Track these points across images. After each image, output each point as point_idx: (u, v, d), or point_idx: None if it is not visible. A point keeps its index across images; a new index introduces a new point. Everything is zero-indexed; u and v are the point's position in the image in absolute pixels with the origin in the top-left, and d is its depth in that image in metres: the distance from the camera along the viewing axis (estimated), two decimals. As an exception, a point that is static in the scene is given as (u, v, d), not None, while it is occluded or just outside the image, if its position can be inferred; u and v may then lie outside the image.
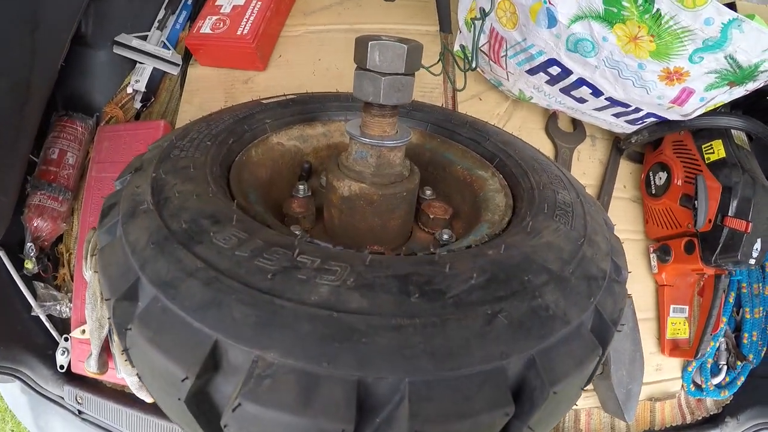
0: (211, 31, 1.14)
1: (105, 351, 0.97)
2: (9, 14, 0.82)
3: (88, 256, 0.93)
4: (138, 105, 1.20)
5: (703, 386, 1.09)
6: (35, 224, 1.05)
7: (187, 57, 1.25)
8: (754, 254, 0.93)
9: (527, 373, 0.39)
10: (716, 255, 0.94)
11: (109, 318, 0.91)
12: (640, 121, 1.00)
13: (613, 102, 0.93)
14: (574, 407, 1.02)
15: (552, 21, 0.82)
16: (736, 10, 0.73)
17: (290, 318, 0.36)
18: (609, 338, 0.46)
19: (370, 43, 0.54)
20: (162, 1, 1.27)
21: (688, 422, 1.11)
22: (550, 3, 0.80)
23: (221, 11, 1.16)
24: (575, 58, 0.86)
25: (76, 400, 1.02)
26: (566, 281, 0.46)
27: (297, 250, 0.42)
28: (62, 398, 1.04)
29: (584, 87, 0.92)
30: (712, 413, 1.12)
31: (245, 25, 1.11)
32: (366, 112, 0.61)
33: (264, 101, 0.81)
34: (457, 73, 1.14)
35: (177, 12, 1.28)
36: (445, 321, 0.38)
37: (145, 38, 1.22)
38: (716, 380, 1.10)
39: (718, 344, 1.08)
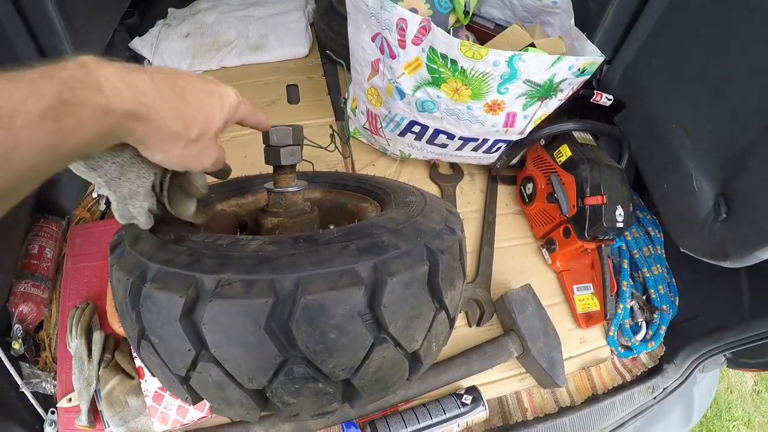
0: None
1: (92, 411, 1.12)
2: None
3: (73, 328, 1.16)
4: (102, 207, 1.48)
5: (630, 345, 1.32)
6: (21, 309, 1.23)
7: None
8: (619, 218, 1.23)
9: (373, 273, 0.70)
10: (587, 229, 1.26)
11: (96, 378, 1.12)
12: (495, 149, 1.35)
13: (465, 140, 1.28)
14: (515, 390, 1.25)
15: (402, 94, 1.19)
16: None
17: (236, 259, 0.68)
18: (438, 260, 0.78)
19: (270, 129, 0.92)
20: None
21: (629, 380, 1.31)
22: (397, 82, 1.17)
23: None
24: (425, 116, 1.23)
25: None
26: (398, 231, 0.78)
27: (239, 236, 0.76)
28: None
29: (441, 135, 1.28)
30: (650, 367, 1.34)
31: None
32: (275, 173, 0.97)
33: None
34: (362, 147, 1.57)
35: None
36: (317, 249, 0.69)
37: None
38: (640, 336, 1.33)
39: (629, 306, 1.34)
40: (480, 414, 1.14)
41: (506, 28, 1.32)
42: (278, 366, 0.68)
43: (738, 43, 1.07)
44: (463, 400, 1.14)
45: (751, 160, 1.04)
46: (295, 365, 0.68)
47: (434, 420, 1.10)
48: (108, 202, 1.45)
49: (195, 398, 0.78)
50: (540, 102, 1.18)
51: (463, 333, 1.30)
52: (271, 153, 0.95)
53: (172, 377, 0.75)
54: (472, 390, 1.17)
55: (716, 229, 1.13)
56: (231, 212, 1.15)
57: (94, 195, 1.50)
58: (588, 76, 1.17)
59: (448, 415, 1.11)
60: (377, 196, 1.09)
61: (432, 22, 1.05)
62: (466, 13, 1.36)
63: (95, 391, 1.13)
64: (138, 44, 1.81)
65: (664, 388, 1.30)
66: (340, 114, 1.63)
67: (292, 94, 0.97)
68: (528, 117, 1.21)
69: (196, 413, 1.07)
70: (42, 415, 1.17)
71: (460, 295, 0.88)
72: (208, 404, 0.80)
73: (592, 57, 1.11)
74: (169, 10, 1.98)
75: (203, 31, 1.86)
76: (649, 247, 1.43)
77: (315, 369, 0.69)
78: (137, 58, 1.81)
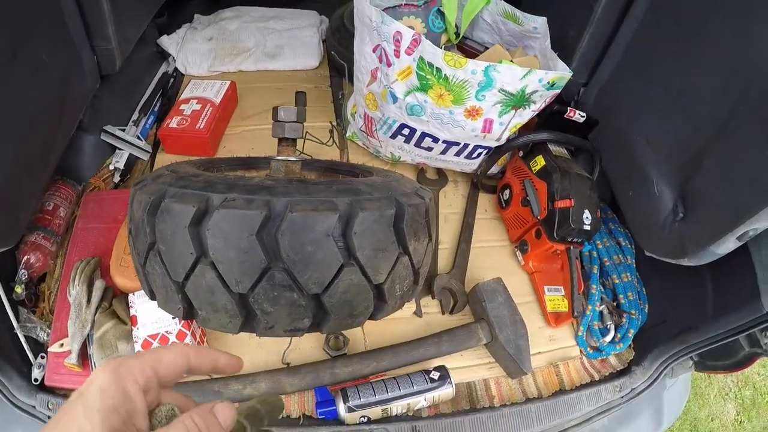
0: (177, 126, 1.72)
1: (82, 355, 1.24)
2: (50, 90, 1.31)
3: (76, 277, 1.31)
4: (116, 179, 1.69)
5: (599, 346, 1.45)
6: (28, 257, 1.36)
7: (155, 147, 1.80)
8: (586, 221, 1.41)
9: (348, 207, 0.88)
10: (556, 230, 1.43)
11: (91, 323, 1.26)
12: (475, 155, 1.56)
13: (448, 143, 1.49)
14: (483, 377, 1.38)
15: (394, 98, 1.40)
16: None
17: (241, 185, 0.88)
18: (404, 210, 0.95)
19: (279, 107, 1.16)
20: (136, 106, 1.88)
21: (597, 379, 1.43)
22: (391, 87, 1.39)
23: (184, 113, 1.75)
24: (414, 119, 1.44)
25: (47, 406, 1.21)
26: (374, 186, 0.97)
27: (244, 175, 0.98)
28: (33, 407, 1.22)
29: (427, 138, 1.49)
30: (618, 369, 1.45)
31: (201, 123, 1.71)
32: (279, 144, 1.19)
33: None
34: (358, 150, 1.83)
35: (147, 115, 1.89)
36: (306, 186, 0.90)
37: (123, 131, 1.74)
38: (608, 338, 1.46)
39: (598, 309, 1.49)
40: (446, 391, 1.27)
41: (492, 49, 1.58)
42: (262, 271, 0.87)
43: (693, 57, 1.27)
44: (431, 375, 1.28)
45: (705, 158, 1.20)
46: (276, 271, 0.87)
47: (402, 392, 1.24)
48: (122, 176, 1.68)
49: (186, 308, 0.96)
50: (514, 111, 1.39)
51: (437, 320, 1.46)
52: (278, 127, 1.19)
53: (171, 285, 0.93)
54: (441, 368, 1.31)
55: (675, 229, 1.28)
56: (237, 179, 1.39)
57: (111, 168, 1.72)
58: (558, 90, 1.38)
59: (416, 389, 1.25)
60: (365, 174, 1.30)
61: (422, 36, 1.28)
62: (456, 34, 1.62)
63: (88, 335, 1.28)
64: (165, 41, 2.15)
65: (632, 389, 1.41)
66: (340, 119, 1.91)
67: (300, 100, 1.23)
68: (504, 124, 1.42)
69: None
70: (31, 359, 1.30)
71: (425, 251, 1.07)
72: (197, 316, 0.97)
73: (560, 72, 1.33)
74: (195, 15, 2.35)
75: (225, 37, 2.20)
76: (619, 256, 1.59)
77: (292, 279, 0.88)
78: (163, 54, 2.14)
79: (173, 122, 1.75)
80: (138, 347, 1.23)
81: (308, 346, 1.37)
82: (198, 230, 0.87)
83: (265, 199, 0.87)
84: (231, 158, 1.51)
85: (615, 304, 1.54)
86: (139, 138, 1.81)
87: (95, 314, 1.30)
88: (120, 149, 1.75)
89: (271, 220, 0.86)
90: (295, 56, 2.17)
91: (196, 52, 2.11)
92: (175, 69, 2.14)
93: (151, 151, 1.80)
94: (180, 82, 2.10)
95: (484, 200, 1.78)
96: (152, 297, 1.05)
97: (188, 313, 0.98)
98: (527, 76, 1.29)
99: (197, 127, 1.72)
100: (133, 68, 1.91)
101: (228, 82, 1.89)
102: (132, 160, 1.77)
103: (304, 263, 0.88)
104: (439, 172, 1.81)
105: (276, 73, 2.14)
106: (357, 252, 0.90)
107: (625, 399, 1.40)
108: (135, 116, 1.87)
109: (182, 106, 1.81)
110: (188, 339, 1.23)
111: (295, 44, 2.20)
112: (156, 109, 1.96)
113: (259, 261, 0.86)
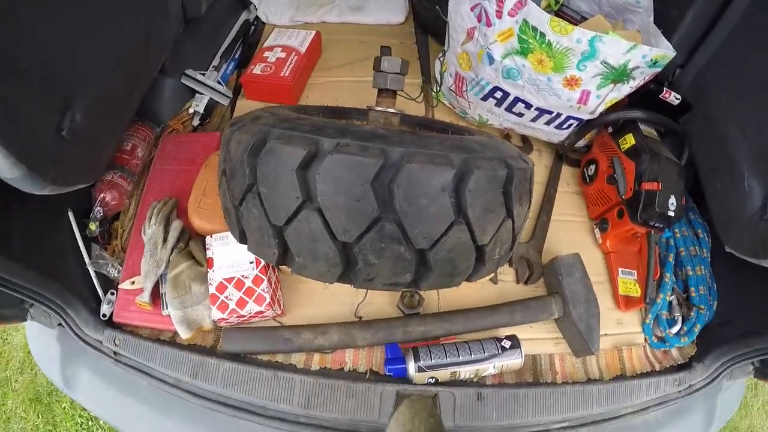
0: (261, 72, 1.69)
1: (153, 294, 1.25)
2: (136, 29, 1.30)
3: (153, 217, 1.31)
4: (196, 123, 1.68)
5: (664, 336, 1.42)
6: (104, 195, 1.36)
7: (235, 92, 1.79)
8: (671, 207, 1.36)
9: (463, 164, 0.84)
10: (640, 212, 1.38)
11: (166, 262, 1.26)
12: (566, 125, 1.50)
13: (540, 111, 1.43)
14: (549, 352, 1.36)
15: (491, 60, 1.35)
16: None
17: (354, 132, 0.84)
18: (513, 172, 0.90)
19: (383, 57, 1.11)
20: (217, 51, 1.86)
21: (657, 370, 1.40)
22: (489, 48, 1.33)
23: (268, 60, 1.72)
24: (509, 83, 1.38)
25: (114, 342, 1.23)
26: (484, 145, 0.93)
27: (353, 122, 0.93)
28: (100, 342, 1.24)
29: (519, 103, 1.43)
30: (679, 363, 1.42)
31: (286, 70, 1.68)
32: (379, 96, 1.15)
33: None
34: (443, 110, 1.76)
35: (228, 60, 1.87)
36: (421, 138, 0.86)
37: (204, 75, 1.73)
38: (674, 330, 1.43)
39: (669, 298, 1.45)
40: (515, 361, 1.25)
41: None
42: (372, 221, 0.84)
43: None
44: (502, 344, 1.25)
45: None
46: (387, 223, 0.84)
47: (473, 357, 1.22)
48: (201, 120, 1.66)
49: (281, 253, 0.93)
50: (613, 85, 1.33)
51: (510, 288, 1.44)
52: (380, 77, 1.13)
53: (268, 228, 0.90)
54: (512, 338, 1.28)
55: (761, 228, 1.24)
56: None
57: (190, 111, 1.71)
58: (659, 69, 1.31)
59: (486, 355, 1.23)
60: (460, 133, 1.26)
61: (528, -1, 1.22)
62: (556, 1, 1.54)
63: (162, 275, 1.28)
64: (248, -10, 2.08)
65: (690, 385, 1.37)
66: (427, 78, 1.85)
67: (385, 54, 1.17)
68: (601, 97, 1.36)
69: (254, 306, 1.19)
70: (100, 294, 1.31)
71: (524, 217, 1.03)
72: (293, 263, 0.94)
73: (664, 50, 1.26)
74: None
75: (308, -13, 2.12)
76: (696, 247, 1.54)
77: (402, 231, 0.84)
78: (245, 2, 2.08)
79: (257, 69, 1.72)
80: (212, 290, 1.22)
81: (381, 302, 1.34)
82: (305, 174, 0.84)
83: (380, 147, 0.82)
84: (323, 107, 1.47)
85: (685, 296, 1.49)
86: (219, 83, 1.80)
87: (171, 254, 1.29)
88: (200, 93, 1.73)
89: (385, 170, 0.82)
90: (380, 10, 2.09)
91: (279, 2, 2.07)
92: (257, 17, 2.10)
93: (231, 96, 1.80)
94: (261, 30, 2.07)
95: (567, 173, 1.72)
96: (242, 240, 1.03)
97: (282, 259, 0.95)
98: (631, 50, 1.23)
99: (282, 75, 1.68)
100: (216, 14, 1.88)
101: (313, 32, 1.85)
102: (212, 105, 1.75)
103: (416, 216, 0.84)
104: (524, 139, 1.75)
105: (359, 26, 2.07)
106: (468, 210, 0.86)
107: (682, 394, 1.37)
108: (216, 62, 1.85)
109: (266, 54, 1.78)
110: (264, 285, 1.21)
111: (380, -2, 2.13)
112: (237, 55, 1.94)
113: (370, 210, 0.83)
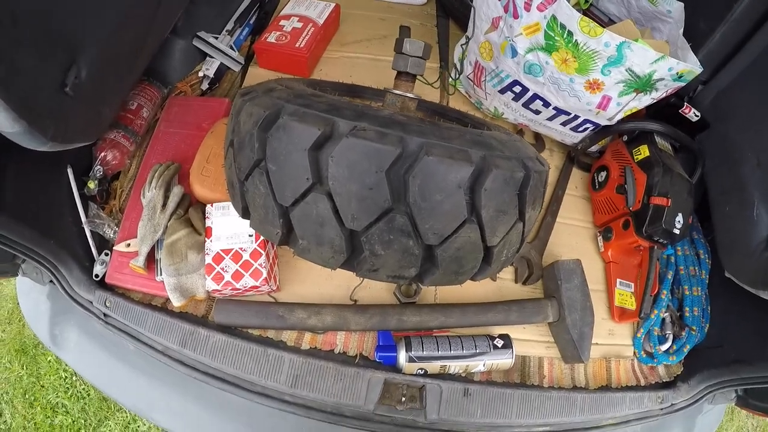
0: (275, 41, 1.63)
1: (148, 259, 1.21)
2: None
3: (154, 180, 1.26)
4: (204, 87, 1.63)
5: (653, 352, 1.40)
6: (105, 154, 1.33)
7: (248, 59, 1.73)
8: (677, 225, 1.33)
9: (482, 161, 0.81)
10: (646, 226, 1.35)
11: (164, 228, 1.22)
12: (582, 128, 1.46)
13: (558, 111, 1.39)
14: (539, 355, 1.34)
15: (514, 52, 1.31)
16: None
17: (372, 115, 0.80)
18: (530, 175, 0.87)
19: (405, 39, 1.06)
20: (232, 15, 1.79)
21: (642, 384, 1.38)
22: (513, 41, 1.29)
23: (284, 29, 1.66)
24: (530, 78, 1.34)
25: (105, 303, 1.20)
26: (503, 142, 0.89)
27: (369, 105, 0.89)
28: (90, 302, 1.22)
29: (537, 100, 1.39)
30: (664, 381, 1.41)
31: (302, 41, 1.61)
32: (397, 78, 1.10)
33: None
34: (458, 98, 1.70)
35: (243, 26, 1.80)
36: (441, 129, 0.82)
37: (216, 38, 1.68)
38: (664, 347, 1.41)
39: (662, 315, 1.43)
40: (506, 360, 1.23)
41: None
42: (383, 211, 0.80)
43: None
44: (495, 342, 1.23)
45: None
46: (398, 214, 0.80)
47: (464, 353, 1.20)
48: (210, 84, 1.59)
49: (285, 233, 0.89)
50: (635, 94, 1.29)
51: (508, 287, 1.41)
52: (401, 59, 1.08)
53: (273, 207, 0.86)
54: (505, 337, 1.26)
55: (764, 259, 1.22)
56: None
57: (200, 74, 1.65)
58: (684, 83, 1.27)
59: (477, 351, 1.21)
60: (477, 126, 1.21)
61: (561, -6, 1.17)
62: (586, 0, 1.49)
63: (158, 240, 1.24)
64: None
65: (673, 404, 1.37)
66: (445, 64, 1.79)
67: (404, 34, 1.12)
68: (621, 105, 1.32)
69: (250, 280, 1.16)
70: (94, 254, 1.28)
71: (534, 221, 1.00)
72: (296, 245, 0.91)
73: (691, 66, 1.22)
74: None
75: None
76: (696, 268, 1.51)
77: (413, 225, 0.81)
78: None
79: (271, 37, 1.66)
80: (209, 260, 1.18)
81: (378, 287, 1.32)
82: (318, 155, 0.80)
83: (398, 135, 0.78)
84: (337, 83, 1.41)
85: (679, 315, 1.48)
86: (232, 48, 1.74)
87: (169, 220, 1.25)
88: (211, 57, 1.68)
89: (401, 159, 0.78)
90: (403, -11, 2.01)
91: (299, -30, 1.97)
92: (275, -17, 2.01)
93: (242, 63, 1.74)
94: (278, -2, 1.99)
95: (576, 176, 1.68)
96: (244, 215, 0.99)
97: (286, 239, 0.91)
98: (658, 61, 1.19)
99: (297, 45, 1.62)
100: (233, -23, 1.82)
101: (333, 4, 1.78)
102: (222, 70, 1.71)
103: (429, 211, 0.80)
104: (537, 136, 1.71)
105: (380, 3, 2.00)
106: (482, 210, 0.83)
107: (663, 411, 1.37)
108: (230, 26, 1.79)
109: (282, 22, 1.71)
110: (262, 260, 1.18)
111: (403, -23, 2.05)
112: (252, 21, 1.88)
113: (382, 200, 0.79)
